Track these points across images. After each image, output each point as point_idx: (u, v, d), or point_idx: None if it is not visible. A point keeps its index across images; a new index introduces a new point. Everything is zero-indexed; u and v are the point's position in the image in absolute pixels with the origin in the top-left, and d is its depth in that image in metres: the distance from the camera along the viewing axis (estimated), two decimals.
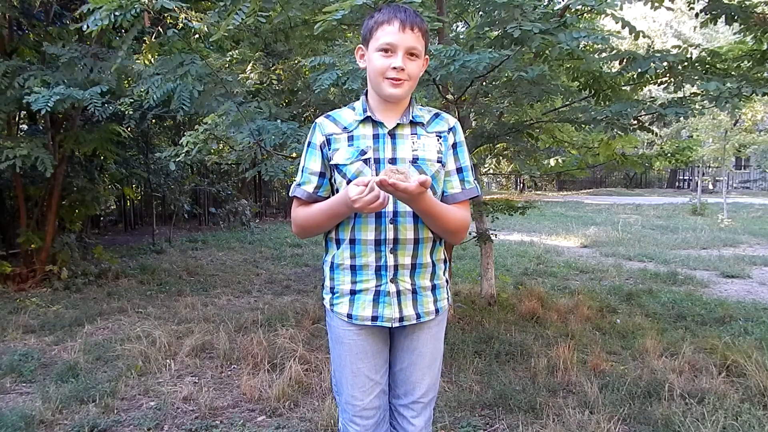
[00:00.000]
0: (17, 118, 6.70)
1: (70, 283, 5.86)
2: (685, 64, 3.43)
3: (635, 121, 3.63)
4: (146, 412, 2.89)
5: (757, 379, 3.13)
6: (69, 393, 3.06)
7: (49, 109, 3.68)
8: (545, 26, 2.59)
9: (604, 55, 3.76)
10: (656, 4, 3.58)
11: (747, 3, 3.61)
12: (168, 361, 3.57)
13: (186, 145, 3.28)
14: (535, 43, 2.60)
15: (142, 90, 3.58)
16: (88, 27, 2.53)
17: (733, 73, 3.45)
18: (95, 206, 6.74)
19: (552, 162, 5.30)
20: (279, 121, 3.44)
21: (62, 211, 6.32)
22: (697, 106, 3.28)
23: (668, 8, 3.75)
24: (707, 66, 3.45)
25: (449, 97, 3.70)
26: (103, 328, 4.41)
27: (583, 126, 3.84)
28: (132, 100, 4.43)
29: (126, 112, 4.61)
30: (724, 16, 3.56)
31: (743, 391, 3.10)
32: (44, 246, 5.96)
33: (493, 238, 4.94)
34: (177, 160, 3.41)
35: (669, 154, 4.52)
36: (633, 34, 3.11)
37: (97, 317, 4.64)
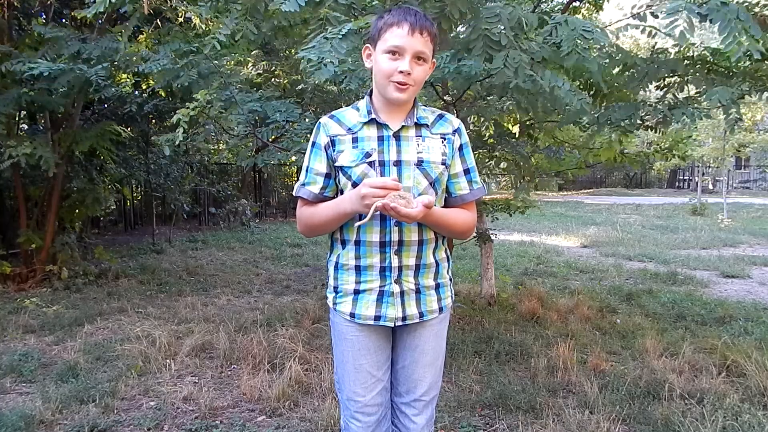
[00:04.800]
0: (17, 118, 6.71)
1: (70, 283, 5.86)
2: (687, 63, 3.41)
3: (639, 122, 3.60)
4: (146, 412, 2.89)
5: (757, 379, 3.13)
6: (69, 393, 3.06)
7: (49, 75, 3.67)
8: (538, 50, 2.53)
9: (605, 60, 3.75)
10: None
11: (746, 3, 3.61)
12: (168, 361, 3.56)
13: (179, 124, 3.22)
14: (521, 80, 2.53)
15: (143, 70, 3.58)
16: (85, 12, 2.55)
17: (734, 69, 3.42)
18: (95, 207, 6.73)
19: (554, 183, 5.18)
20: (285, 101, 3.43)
21: (62, 211, 6.32)
22: (703, 107, 3.24)
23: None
24: (709, 64, 3.43)
25: (447, 98, 3.70)
26: (103, 328, 4.41)
27: (586, 128, 3.82)
28: (134, 80, 4.44)
29: (127, 93, 4.62)
30: None
31: (743, 391, 3.10)
32: (44, 246, 5.96)
33: (493, 238, 4.94)
34: (176, 143, 3.34)
35: (665, 150, 4.50)
36: (624, 56, 3.09)
37: (97, 317, 4.64)
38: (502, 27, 2.34)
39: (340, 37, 2.23)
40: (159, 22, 4.82)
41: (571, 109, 2.83)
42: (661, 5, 2.32)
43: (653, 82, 3.37)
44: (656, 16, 2.84)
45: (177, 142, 3.23)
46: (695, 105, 3.25)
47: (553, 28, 2.44)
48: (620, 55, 3.00)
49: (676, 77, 3.41)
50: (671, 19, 2.09)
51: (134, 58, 4.14)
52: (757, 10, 3.44)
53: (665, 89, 3.52)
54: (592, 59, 2.46)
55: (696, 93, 3.40)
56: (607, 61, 2.73)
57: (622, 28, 2.79)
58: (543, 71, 2.53)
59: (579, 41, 2.32)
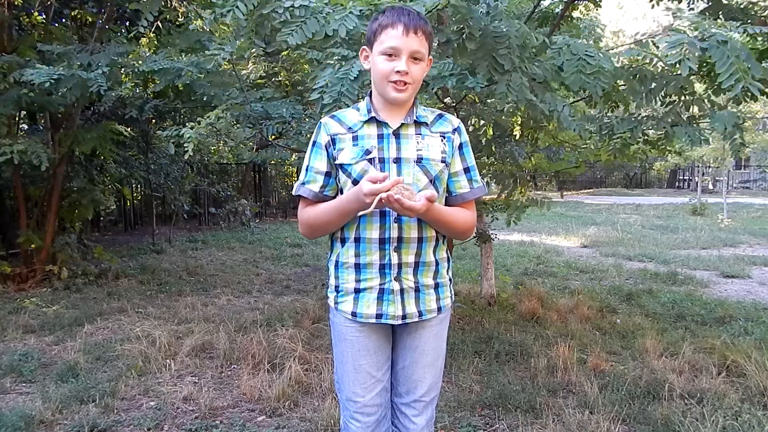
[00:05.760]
0: (17, 118, 6.71)
1: (70, 283, 5.86)
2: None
3: (641, 136, 3.57)
4: (146, 412, 2.89)
5: (757, 379, 3.13)
6: (69, 393, 3.06)
7: (50, 84, 3.71)
8: (539, 71, 2.53)
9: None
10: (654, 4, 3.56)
11: (747, 3, 3.60)
12: (168, 361, 3.56)
13: (188, 140, 3.24)
14: (522, 103, 2.54)
15: (146, 69, 3.59)
16: None
17: None
18: (91, 207, 6.73)
19: (548, 203, 4.99)
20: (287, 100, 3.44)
21: (62, 211, 6.32)
22: (705, 129, 3.23)
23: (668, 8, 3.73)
24: (709, 66, 3.41)
25: (447, 101, 3.70)
26: (103, 328, 4.41)
27: (588, 138, 3.80)
28: (134, 83, 4.44)
29: (128, 96, 4.63)
30: (724, 18, 3.54)
31: (743, 391, 3.10)
32: (44, 246, 5.96)
33: (493, 238, 4.94)
34: (183, 150, 3.36)
35: (662, 145, 4.45)
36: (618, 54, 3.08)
37: (97, 317, 4.63)
38: (509, 45, 2.34)
39: (352, 78, 2.28)
40: (160, 24, 4.84)
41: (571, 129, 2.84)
42: (664, 37, 2.32)
43: (659, 99, 3.34)
44: (657, 46, 2.85)
45: (187, 148, 3.25)
46: (697, 124, 3.24)
47: (557, 53, 2.45)
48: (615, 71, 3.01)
49: (679, 96, 3.39)
50: (674, 52, 2.09)
51: (140, 61, 4.16)
52: (757, 10, 3.44)
53: (669, 105, 3.50)
54: (594, 83, 2.46)
55: (699, 115, 3.39)
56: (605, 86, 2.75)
57: (625, 52, 2.79)
58: (543, 94, 2.54)
59: (583, 66, 2.33)
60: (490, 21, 2.44)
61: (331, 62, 2.63)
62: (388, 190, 1.37)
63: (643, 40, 2.90)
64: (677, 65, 2.11)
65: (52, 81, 3.78)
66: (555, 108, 2.50)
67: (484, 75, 2.43)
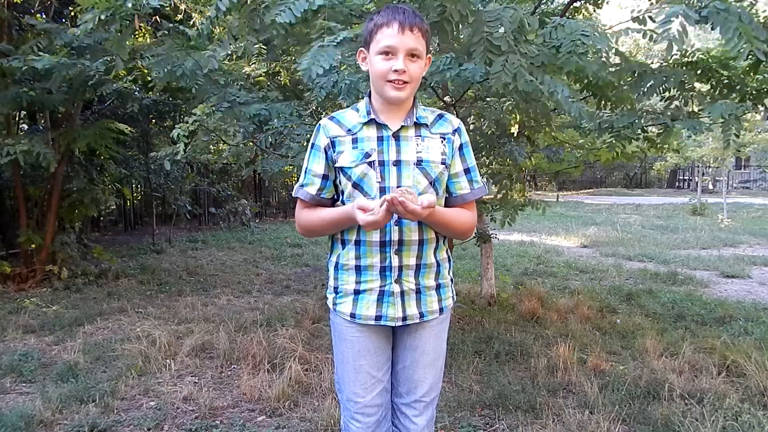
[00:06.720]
0: (17, 118, 6.71)
1: (70, 283, 5.86)
2: (688, 67, 3.40)
3: (640, 131, 3.57)
4: (146, 412, 2.89)
5: (757, 379, 3.13)
6: (69, 393, 3.06)
7: (50, 68, 3.73)
8: (537, 53, 2.53)
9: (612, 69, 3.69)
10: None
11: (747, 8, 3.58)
12: (168, 361, 3.56)
13: (178, 138, 3.25)
14: (520, 85, 2.53)
15: (144, 66, 3.63)
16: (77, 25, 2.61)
17: (735, 78, 3.39)
18: (92, 207, 6.73)
19: (543, 207, 4.93)
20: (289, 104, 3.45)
21: (62, 211, 6.32)
22: (705, 122, 3.22)
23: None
24: (710, 71, 3.40)
25: (447, 99, 3.70)
26: (103, 328, 4.41)
27: (587, 133, 3.80)
28: (135, 76, 4.46)
29: (126, 91, 4.66)
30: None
31: (743, 391, 3.10)
32: (44, 246, 5.96)
33: (493, 238, 4.94)
34: (176, 158, 3.38)
35: (660, 145, 4.45)
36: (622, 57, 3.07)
37: (97, 317, 4.63)
38: (503, 30, 2.33)
39: (335, 44, 2.26)
40: (157, 19, 4.84)
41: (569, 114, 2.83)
42: (661, 11, 2.30)
43: (658, 94, 3.33)
44: (654, 21, 2.83)
45: (178, 157, 3.25)
46: (697, 118, 3.23)
47: (551, 30, 2.44)
48: (623, 63, 2.97)
49: (679, 91, 3.37)
50: (665, 27, 2.07)
51: (141, 53, 4.18)
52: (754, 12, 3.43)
53: (668, 100, 3.49)
54: (590, 61, 2.45)
55: (699, 109, 3.38)
56: (611, 70, 2.70)
57: (623, 31, 2.77)
58: (543, 76, 2.53)
59: (577, 45, 2.31)
60: (480, 2, 2.44)
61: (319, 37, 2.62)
62: (388, 201, 1.37)
63: (640, 17, 2.87)
64: (667, 35, 2.05)
65: (51, 66, 3.82)
66: (555, 89, 2.49)
67: (480, 58, 2.42)
